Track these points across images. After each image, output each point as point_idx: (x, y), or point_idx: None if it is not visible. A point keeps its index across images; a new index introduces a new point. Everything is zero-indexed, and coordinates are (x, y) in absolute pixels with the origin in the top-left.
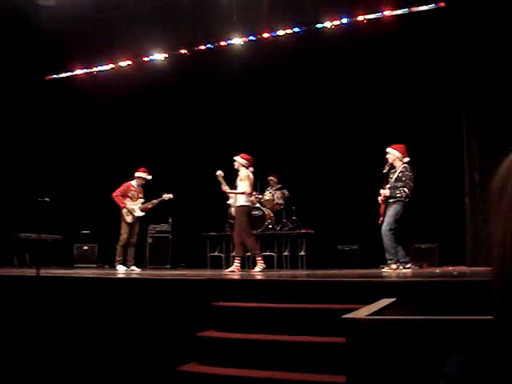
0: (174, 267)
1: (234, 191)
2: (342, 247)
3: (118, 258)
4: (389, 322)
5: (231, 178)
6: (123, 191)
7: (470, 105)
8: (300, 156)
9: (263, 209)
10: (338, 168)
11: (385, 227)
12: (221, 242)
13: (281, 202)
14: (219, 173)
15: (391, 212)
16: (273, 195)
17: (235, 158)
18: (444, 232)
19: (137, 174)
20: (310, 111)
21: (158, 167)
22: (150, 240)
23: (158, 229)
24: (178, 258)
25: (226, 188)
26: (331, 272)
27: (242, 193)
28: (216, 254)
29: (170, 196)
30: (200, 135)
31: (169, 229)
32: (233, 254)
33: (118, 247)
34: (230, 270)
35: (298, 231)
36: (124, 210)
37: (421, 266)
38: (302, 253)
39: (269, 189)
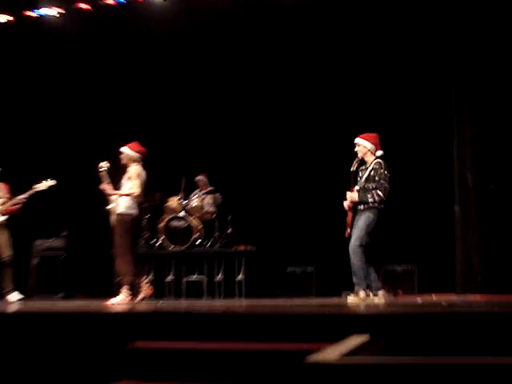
0: (69, 296)
1: (117, 192)
2: (293, 270)
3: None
4: (369, 366)
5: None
6: None
7: (463, 91)
8: (238, 150)
9: (189, 219)
10: (287, 166)
11: (353, 242)
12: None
13: (212, 209)
14: (103, 165)
15: (361, 222)
16: (202, 201)
17: (122, 149)
18: (426, 249)
19: None
20: (253, 89)
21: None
22: (35, 260)
23: (48, 245)
24: (75, 283)
25: (107, 187)
26: (280, 302)
27: (128, 194)
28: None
29: (51, 183)
30: (105, 118)
31: (62, 245)
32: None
33: None
34: (117, 300)
35: (234, 248)
36: None
37: (396, 294)
38: (241, 277)
39: (196, 192)
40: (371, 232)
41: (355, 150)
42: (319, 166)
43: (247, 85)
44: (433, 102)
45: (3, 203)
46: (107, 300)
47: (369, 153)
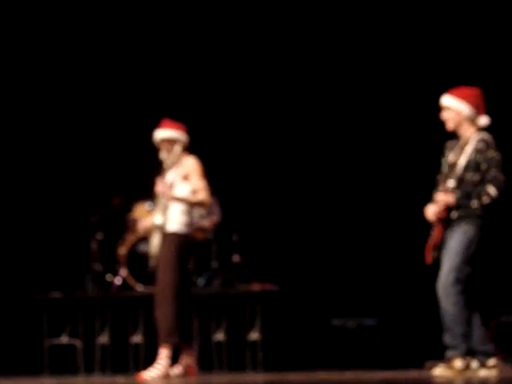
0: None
1: (183, 197)
2: (343, 322)
3: None
4: None
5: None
6: None
7: None
8: (249, 130)
9: None
10: (325, 158)
11: (446, 277)
12: (75, 316)
13: (206, 224)
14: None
15: (458, 243)
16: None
17: (164, 133)
18: None
19: None
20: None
21: None
22: None
23: None
24: None
25: (167, 187)
26: (323, 378)
27: (199, 203)
28: (64, 341)
29: None
30: None
31: None
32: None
33: None
34: (152, 373)
35: (245, 288)
36: None
37: None
38: (255, 335)
39: None
40: (473, 255)
41: (443, 115)
42: (375, 168)
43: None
44: None
45: None
46: (138, 374)
47: (465, 123)
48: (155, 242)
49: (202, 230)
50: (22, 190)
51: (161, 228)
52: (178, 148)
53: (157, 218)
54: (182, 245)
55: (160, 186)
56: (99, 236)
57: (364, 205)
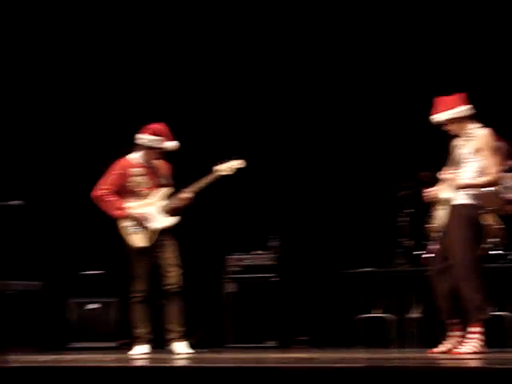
0: (285, 345)
1: (468, 183)
2: None
3: (137, 332)
4: None
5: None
6: (117, 181)
7: None
8: None
9: None
10: None
11: None
12: (387, 290)
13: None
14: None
15: None
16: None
17: (438, 114)
18: None
19: (142, 138)
20: None
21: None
22: (231, 287)
23: (248, 262)
24: (290, 323)
25: (452, 178)
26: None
27: (486, 185)
28: (375, 315)
29: (237, 165)
30: None
31: (272, 261)
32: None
33: (133, 307)
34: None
35: None
36: (125, 223)
37: None
38: None
39: None
40: None
41: None
42: None
43: None
44: None
45: (171, 197)
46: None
47: None
48: (440, 215)
49: (509, 202)
50: (312, 175)
51: (447, 201)
52: (465, 123)
53: (444, 193)
54: (471, 215)
55: (447, 175)
56: (408, 211)
57: None
